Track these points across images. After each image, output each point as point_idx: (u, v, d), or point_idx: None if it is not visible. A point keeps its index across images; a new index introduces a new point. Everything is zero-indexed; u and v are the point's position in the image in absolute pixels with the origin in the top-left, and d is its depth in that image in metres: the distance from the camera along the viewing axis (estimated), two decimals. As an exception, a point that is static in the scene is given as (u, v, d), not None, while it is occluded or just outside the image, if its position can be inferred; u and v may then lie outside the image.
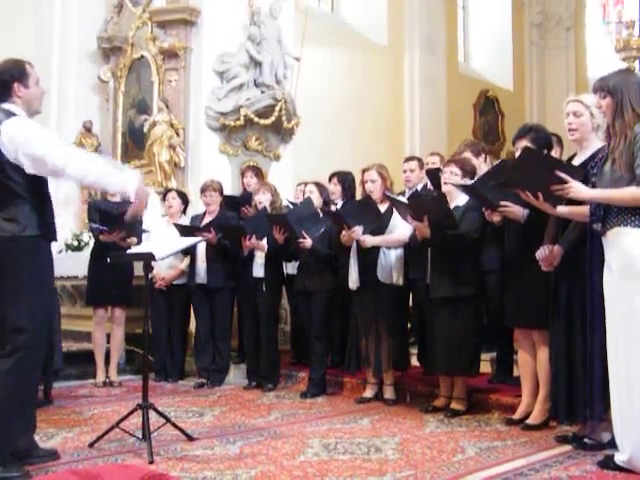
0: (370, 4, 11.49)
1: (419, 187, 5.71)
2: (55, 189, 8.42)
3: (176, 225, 5.68)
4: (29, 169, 3.26)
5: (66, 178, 3.44)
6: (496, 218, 4.31)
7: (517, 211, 4.09)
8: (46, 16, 8.16)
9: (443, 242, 4.53)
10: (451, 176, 4.62)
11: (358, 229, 4.94)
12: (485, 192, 4.15)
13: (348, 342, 5.49)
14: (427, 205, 4.68)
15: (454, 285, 4.52)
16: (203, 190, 6.08)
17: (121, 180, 3.45)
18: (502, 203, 4.09)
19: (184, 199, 6.36)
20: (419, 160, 5.93)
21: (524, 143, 4.08)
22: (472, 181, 4.51)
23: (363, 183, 5.16)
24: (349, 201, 5.65)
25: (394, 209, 4.93)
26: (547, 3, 15.27)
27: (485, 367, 5.07)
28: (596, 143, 3.74)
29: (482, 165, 5.03)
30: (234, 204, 6.24)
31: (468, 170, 4.67)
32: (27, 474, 3.24)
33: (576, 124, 3.73)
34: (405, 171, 5.75)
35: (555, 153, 4.52)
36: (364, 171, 5.15)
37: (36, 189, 3.35)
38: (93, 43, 8.20)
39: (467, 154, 5.10)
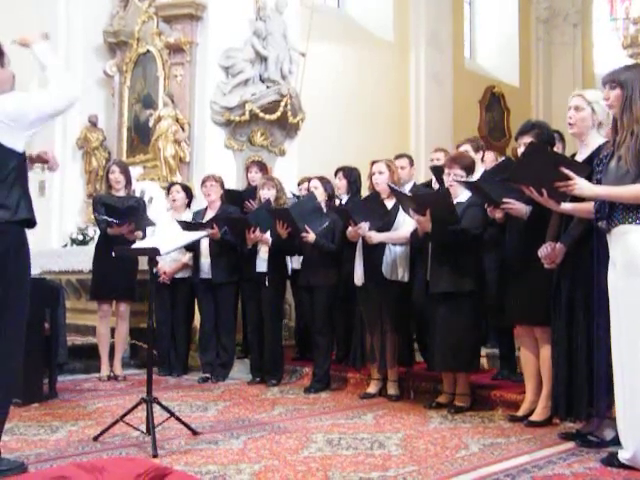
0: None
1: (409, 185, 5.69)
2: (59, 183, 8.49)
3: (180, 222, 5.68)
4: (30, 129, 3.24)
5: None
6: (498, 215, 4.31)
7: (520, 208, 4.09)
8: (52, 10, 8.16)
9: (444, 237, 4.53)
10: (456, 178, 4.62)
11: (364, 225, 4.93)
12: (488, 189, 4.15)
13: (353, 338, 5.50)
14: (430, 199, 4.68)
15: (454, 280, 4.52)
16: (203, 181, 6.12)
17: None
18: (505, 200, 4.08)
19: (188, 193, 6.36)
20: (409, 158, 5.94)
21: (527, 139, 4.07)
22: (475, 178, 4.51)
23: (370, 176, 5.15)
24: (355, 196, 5.65)
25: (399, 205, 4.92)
26: (554, -1, 15.23)
27: (482, 363, 5.07)
28: (597, 139, 3.73)
29: (479, 163, 5.06)
30: (238, 199, 6.24)
31: (469, 167, 4.68)
32: (21, 465, 3.26)
33: (575, 118, 3.74)
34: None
35: (557, 150, 4.52)
36: (373, 163, 5.15)
37: (23, 174, 3.31)
38: (99, 37, 8.20)
39: (467, 147, 5.14)
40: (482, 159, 5.25)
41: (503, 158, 5.25)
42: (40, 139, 8.15)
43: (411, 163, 5.85)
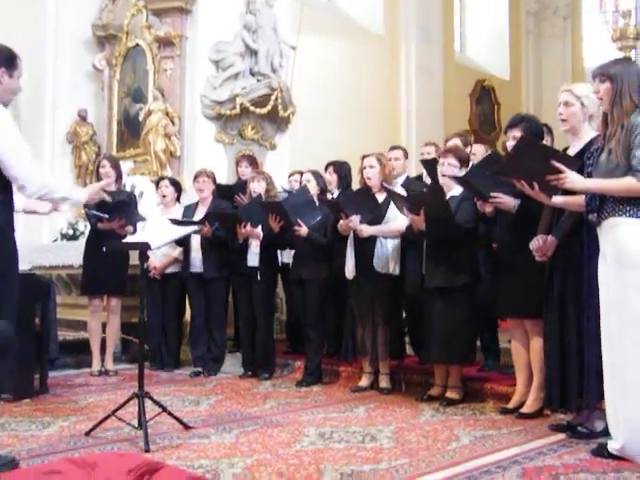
0: (366, -7, 11.45)
1: (403, 177, 5.69)
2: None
3: (172, 220, 5.64)
4: None
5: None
6: (488, 209, 4.32)
7: (508, 202, 4.10)
8: (41, 3, 8.10)
9: (438, 234, 4.54)
10: (449, 167, 4.63)
11: (355, 218, 4.94)
12: (477, 183, 4.16)
13: (344, 331, 5.51)
14: (424, 198, 4.69)
15: (449, 275, 4.53)
16: (196, 176, 6.09)
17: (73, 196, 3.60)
18: (493, 194, 4.09)
19: (177, 187, 6.34)
20: (403, 149, 5.94)
21: (516, 132, 4.09)
22: (464, 172, 4.52)
23: (362, 170, 5.15)
24: (347, 190, 5.64)
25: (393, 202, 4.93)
26: (544, -8, 15.24)
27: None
28: (589, 133, 3.75)
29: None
30: (228, 193, 6.23)
31: (464, 159, 4.70)
32: (12, 461, 3.25)
33: (566, 114, 3.75)
34: (390, 159, 5.72)
35: (546, 143, 4.53)
36: (364, 157, 5.15)
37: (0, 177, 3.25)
38: (88, 31, 8.14)
39: (456, 141, 5.16)
40: (470, 153, 5.25)
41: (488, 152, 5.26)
42: (29, 134, 8.15)
43: (405, 155, 5.85)
